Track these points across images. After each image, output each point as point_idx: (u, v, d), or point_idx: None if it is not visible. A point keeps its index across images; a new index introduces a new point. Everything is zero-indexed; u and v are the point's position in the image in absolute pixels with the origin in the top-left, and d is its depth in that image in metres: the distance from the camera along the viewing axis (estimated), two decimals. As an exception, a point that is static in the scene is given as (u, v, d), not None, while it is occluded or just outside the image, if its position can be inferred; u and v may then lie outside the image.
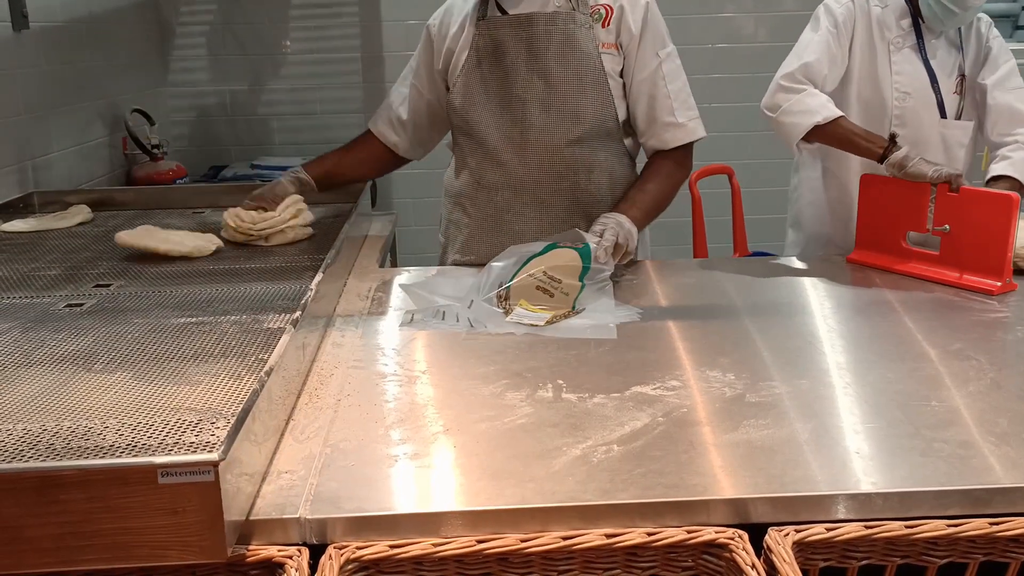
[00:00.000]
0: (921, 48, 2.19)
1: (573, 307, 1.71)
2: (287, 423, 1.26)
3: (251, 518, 1.04)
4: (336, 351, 1.54)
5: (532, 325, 1.65)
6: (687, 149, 2.06)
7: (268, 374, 1.17)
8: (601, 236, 1.81)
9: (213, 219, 2.24)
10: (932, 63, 2.20)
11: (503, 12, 2.00)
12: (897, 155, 1.97)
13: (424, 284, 1.91)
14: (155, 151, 3.15)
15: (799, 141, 2.15)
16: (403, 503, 1.08)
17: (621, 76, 2.02)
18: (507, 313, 1.69)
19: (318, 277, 1.59)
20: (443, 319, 1.69)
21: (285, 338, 1.29)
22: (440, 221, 2.25)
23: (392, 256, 2.66)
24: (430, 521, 1.05)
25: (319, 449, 1.19)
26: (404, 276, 1.99)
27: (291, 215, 2.03)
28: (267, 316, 1.48)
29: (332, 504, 1.06)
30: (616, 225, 1.86)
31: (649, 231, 2.22)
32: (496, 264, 1.77)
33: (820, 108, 2.11)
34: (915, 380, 1.41)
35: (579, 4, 1.97)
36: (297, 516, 1.04)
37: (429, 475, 1.14)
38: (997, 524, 1.03)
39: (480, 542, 1.02)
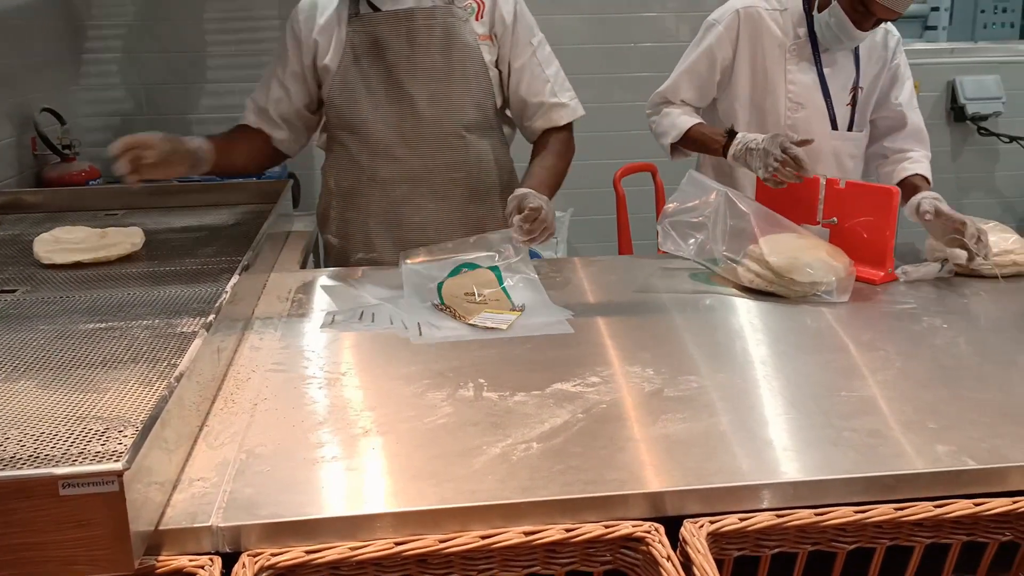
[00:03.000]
0: (817, 61, 2.24)
1: (513, 305, 1.73)
2: (201, 429, 1.23)
3: (161, 528, 1.01)
4: (254, 354, 1.51)
5: (495, 328, 1.63)
6: (571, 130, 2.16)
7: (178, 379, 1.14)
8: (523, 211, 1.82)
9: (128, 221, 2.18)
10: (826, 74, 2.24)
11: (375, 9, 2.01)
12: (730, 152, 2.11)
13: (349, 285, 1.89)
14: (66, 152, 3.04)
15: (674, 156, 2.34)
16: (320, 507, 1.06)
17: (496, 66, 2.08)
18: (459, 317, 1.67)
19: (234, 279, 1.56)
20: (372, 321, 1.67)
21: (197, 342, 1.26)
22: (326, 222, 2.20)
23: (315, 257, 2.62)
24: (348, 525, 1.04)
25: (234, 455, 1.16)
26: (326, 277, 1.96)
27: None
28: (181, 320, 1.45)
29: (246, 511, 1.04)
30: (542, 201, 1.87)
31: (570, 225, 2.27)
32: (414, 268, 1.76)
33: (670, 128, 2.29)
34: (828, 371, 1.45)
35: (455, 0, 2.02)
36: (209, 524, 1.01)
37: (348, 478, 1.12)
38: (902, 509, 1.06)
39: (399, 544, 1.01)
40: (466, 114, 2.06)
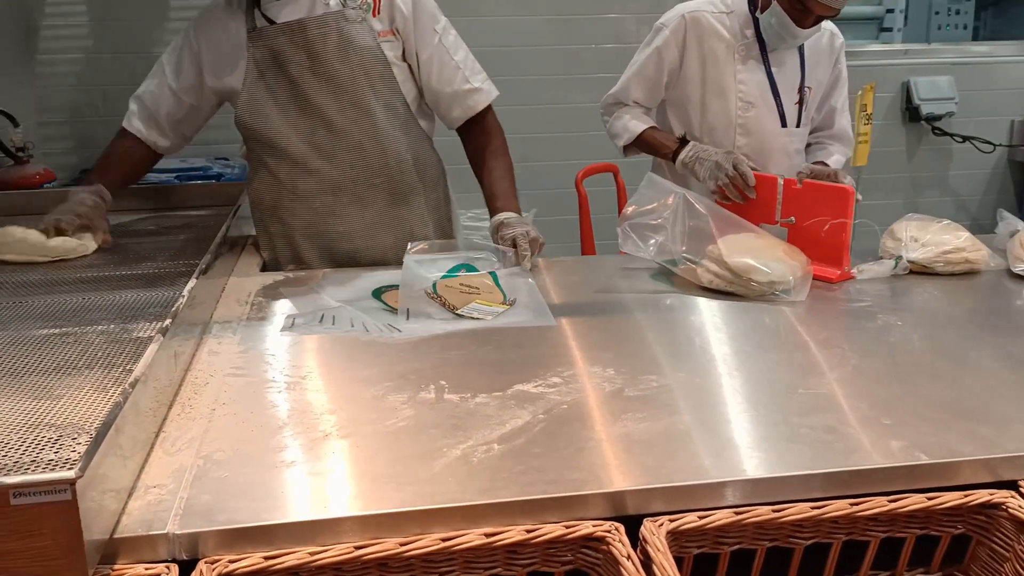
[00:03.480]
0: (765, 60, 2.30)
1: (505, 297, 1.76)
2: (157, 435, 1.21)
3: (116, 536, 0.99)
4: (212, 359, 1.49)
5: (479, 318, 1.67)
6: (492, 113, 2.16)
7: (133, 385, 1.12)
8: (514, 244, 1.94)
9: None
10: (775, 73, 2.31)
11: (270, 21, 1.98)
12: (680, 157, 2.22)
13: (309, 288, 1.87)
14: (20, 154, 2.98)
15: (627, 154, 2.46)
16: (279, 513, 1.05)
17: (404, 60, 2.06)
18: (449, 307, 1.70)
19: (191, 283, 1.54)
20: (333, 323, 1.66)
21: (153, 347, 1.25)
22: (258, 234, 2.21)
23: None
24: (307, 530, 1.03)
25: (191, 461, 1.15)
26: (287, 280, 1.94)
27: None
28: (137, 325, 1.42)
29: (204, 517, 1.03)
30: (522, 227, 1.98)
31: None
32: (413, 260, 1.77)
33: (623, 131, 2.39)
34: (786, 369, 1.46)
35: (346, 0, 1.99)
36: (165, 532, 1.00)
37: (308, 482, 1.12)
38: (857, 504, 1.08)
39: (359, 548, 1.01)
40: (376, 117, 2.03)
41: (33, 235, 1.85)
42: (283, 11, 1.97)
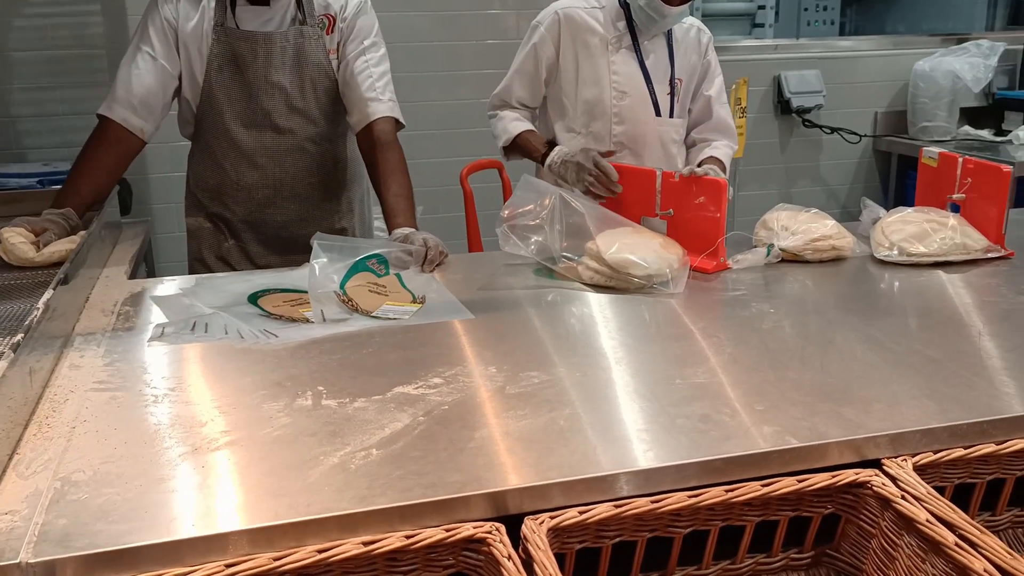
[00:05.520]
0: (637, 50, 2.37)
1: (414, 297, 1.77)
2: (10, 458, 1.14)
3: (-38, 570, 0.93)
4: (73, 374, 1.41)
5: (395, 319, 1.66)
6: (394, 132, 2.21)
7: (-22, 407, 1.05)
8: (411, 254, 1.93)
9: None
10: (647, 63, 2.39)
11: (237, 25, 2.09)
12: (547, 161, 2.29)
13: (180, 294, 1.80)
14: None
15: (509, 158, 2.50)
16: (144, 534, 1.00)
17: None
18: (361, 311, 1.67)
19: (48, 294, 1.45)
20: (205, 331, 1.59)
21: (3, 364, 1.17)
22: (194, 209, 2.29)
23: (148, 266, 2.49)
24: (175, 550, 0.98)
25: (47, 484, 1.08)
26: (158, 287, 1.86)
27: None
28: (-12, 341, 1.33)
29: (60, 544, 0.97)
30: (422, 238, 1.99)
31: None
32: (318, 263, 1.72)
33: (502, 133, 2.44)
34: (664, 360, 1.49)
35: (308, 18, 2.13)
36: (18, 561, 0.94)
37: (175, 500, 1.06)
38: (732, 490, 1.10)
39: (229, 566, 0.97)
40: (319, 127, 2.21)
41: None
42: (252, 19, 2.09)
